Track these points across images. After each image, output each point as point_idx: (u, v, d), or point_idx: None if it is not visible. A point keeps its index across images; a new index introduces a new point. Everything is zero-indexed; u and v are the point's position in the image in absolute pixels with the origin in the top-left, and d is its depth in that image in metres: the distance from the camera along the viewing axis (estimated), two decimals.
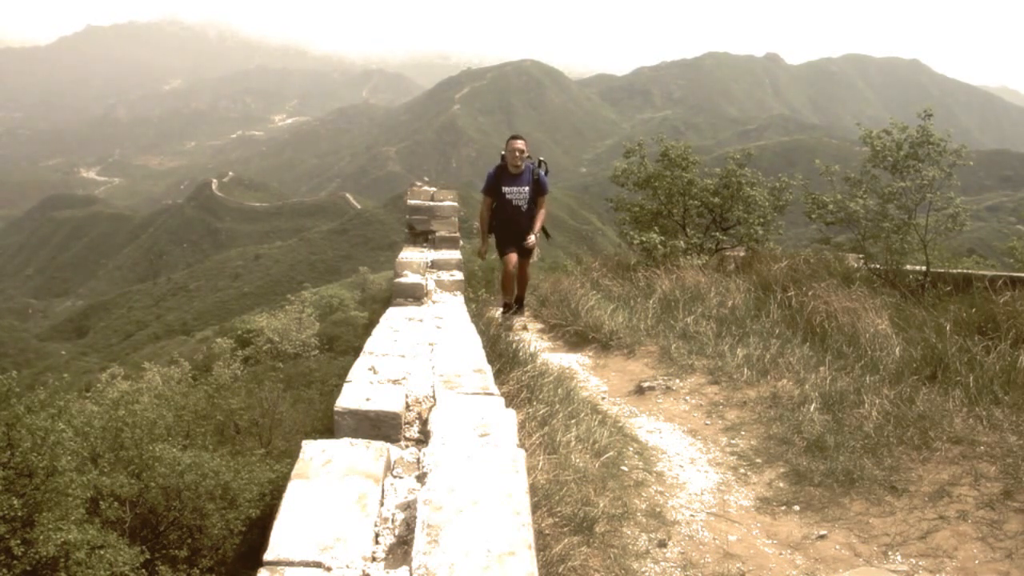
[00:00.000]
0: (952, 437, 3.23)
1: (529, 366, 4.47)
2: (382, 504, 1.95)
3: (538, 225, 6.28)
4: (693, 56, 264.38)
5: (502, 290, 6.71)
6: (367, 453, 2.10)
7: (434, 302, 4.77)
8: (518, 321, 6.67)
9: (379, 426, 2.47)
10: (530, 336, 6.16)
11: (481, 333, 3.98)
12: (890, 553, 2.68)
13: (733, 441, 3.79)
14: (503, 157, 6.34)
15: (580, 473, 3.21)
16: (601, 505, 2.98)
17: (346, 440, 2.17)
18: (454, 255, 6.06)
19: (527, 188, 6.23)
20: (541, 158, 6.47)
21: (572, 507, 2.85)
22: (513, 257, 6.23)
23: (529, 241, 6.22)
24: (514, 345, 4.90)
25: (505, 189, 6.21)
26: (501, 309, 6.73)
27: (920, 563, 2.59)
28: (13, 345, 61.84)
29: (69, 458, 4.67)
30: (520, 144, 6.18)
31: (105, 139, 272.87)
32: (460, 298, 5.00)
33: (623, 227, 10.43)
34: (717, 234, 9.68)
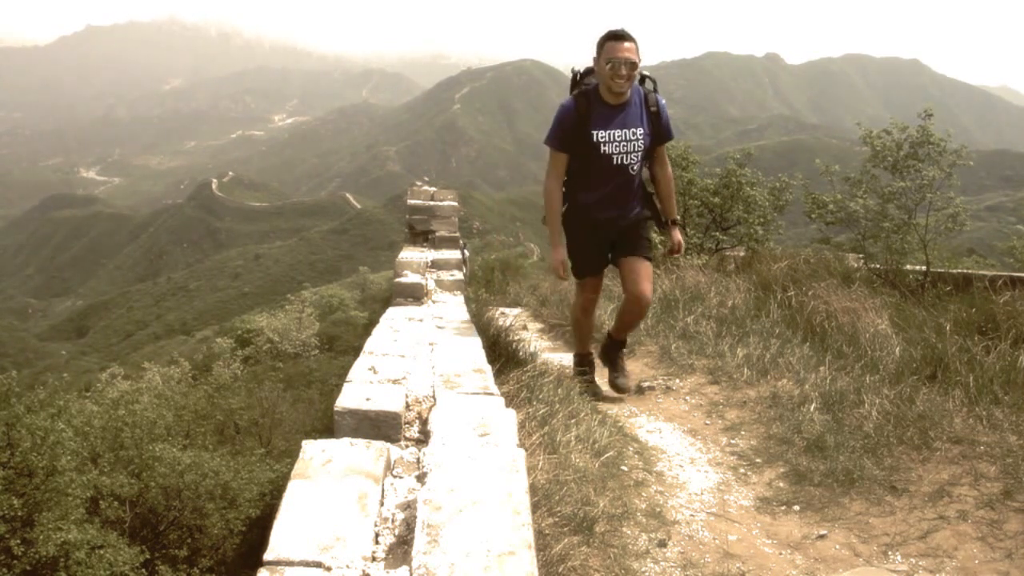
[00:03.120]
0: (952, 437, 3.23)
1: (529, 366, 4.47)
2: (382, 504, 1.95)
3: (674, 203, 3.98)
4: (693, 56, 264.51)
5: (575, 332, 4.37)
6: (367, 453, 2.10)
7: (434, 302, 4.77)
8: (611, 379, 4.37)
9: (379, 426, 2.47)
10: (530, 336, 6.15)
11: (481, 333, 3.99)
12: (890, 553, 2.68)
13: (733, 441, 3.79)
14: (577, 77, 3.80)
15: (580, 473, 3.21)
16: (601, 505, 2.98)
17: (346, 440, 2.17)
18: (454, 255, 6.05)
19: (641, 131, 3.66)
20: (645, 72, 3.77)
21: (572, 507, 2.85)
22: (595, 285, 4.08)
23: (676, 240, 3.97)
24: (514, 345, 4.90)
25: (600, 135, 3.61)
26: (573, 361, 4.45)
27: (920, 563, 2.59)
28: (13, 345, 61.84)
29: (69, 458, 4.68)
30: (629, 50, 3.49)
31: (105, 139, 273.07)
32: (460, 298, 5.00)
33: None
34: (717, 234, 9.69)
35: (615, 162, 3.67)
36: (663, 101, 3.78)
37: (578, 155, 3.72)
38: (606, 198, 3.80)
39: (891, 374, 3.99)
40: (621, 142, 3.64)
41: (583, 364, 4.40)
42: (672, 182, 3.98)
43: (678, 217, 4.06)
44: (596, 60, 3.61)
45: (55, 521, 4.34)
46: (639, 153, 3.70)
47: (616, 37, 3.54)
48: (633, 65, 3.54)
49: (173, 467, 5.53)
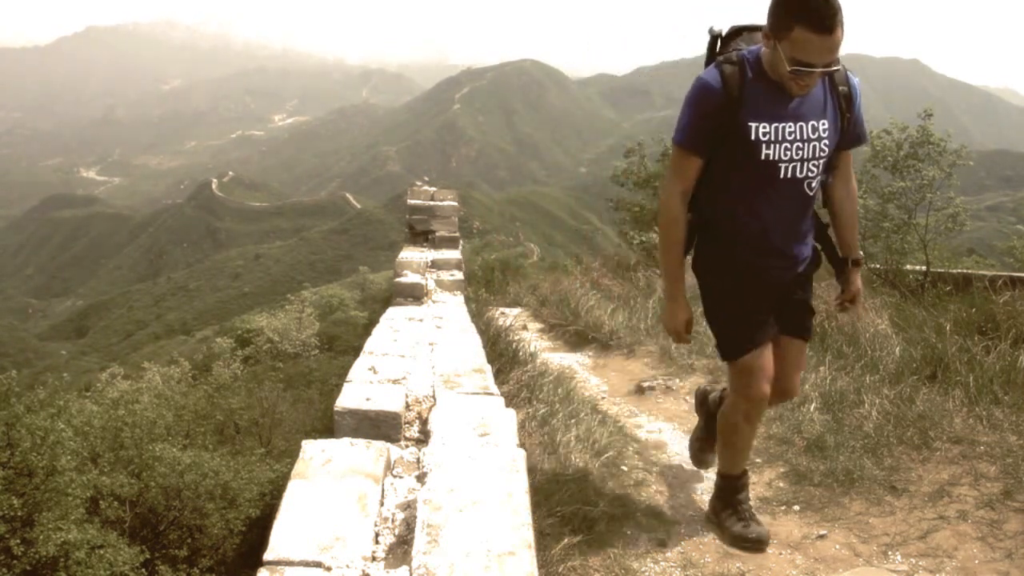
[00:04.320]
0: (952, 437, 3.23)
1: (529, 366, 4.48)
2: (382, 504, 1.95)
3: (857, 235, 2.62)
4: (693, 56, 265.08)
5: (724, 442, 2.77)
6: (367, 453, 2.10)
7: (434, 302, 4.78)
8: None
9: (379, 426, 2.47)
10: (530, 336, 6.15)
11: (481, 333, 3.99)
12: (890, 553, 2.68)
13: None
14: (716, 43, 2.52)
15: (580, 473, 3.21)
16: (601, 505, 2.98)
17: (346, 440, 2.18)
18: (454, 255, 6.05)
19: (825, 124, 2.35)
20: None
21: (572, 507, 2.86)
22: (765, 366, 2.49)
23: (855, 287, 2.56)
24: (514, 345, 4.90)
25: (761, 130, 2.31)
26: (718, 486, 2.84)
27: (920, 563, 2.59)
28: (13, 345, 61.78)
29: (69, 458, 4.67)
30: (835, 46, 2.14)
31: (105, 139, 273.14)
32: (460, 298, 5.00)
33: (623, 227, 10.46)
34: None
35: (783, 174, 2.33)
36: (856, 80, 2.40)
37: (722, 160, 2.38)
38: (766, 233, 2.43)
39: (891, 374, 4.00)
40: (794, 142, 2.31)
41: (739, 489, 2.77)
42: (857, 205, 2.60)
43: (861, 255, 2.63)
44: (769, 39, 2.22)
45: (55, 521, 4.33)
46: (821, 161, 2.36)
47: (820, 25, 2.08)
48: (837, 51, 2.17)
49: (173, 467, 5.52)
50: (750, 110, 2.32)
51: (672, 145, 2.50)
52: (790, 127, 2.33)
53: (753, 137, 2.32)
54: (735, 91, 2.32)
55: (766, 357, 2.51)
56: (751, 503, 2.83)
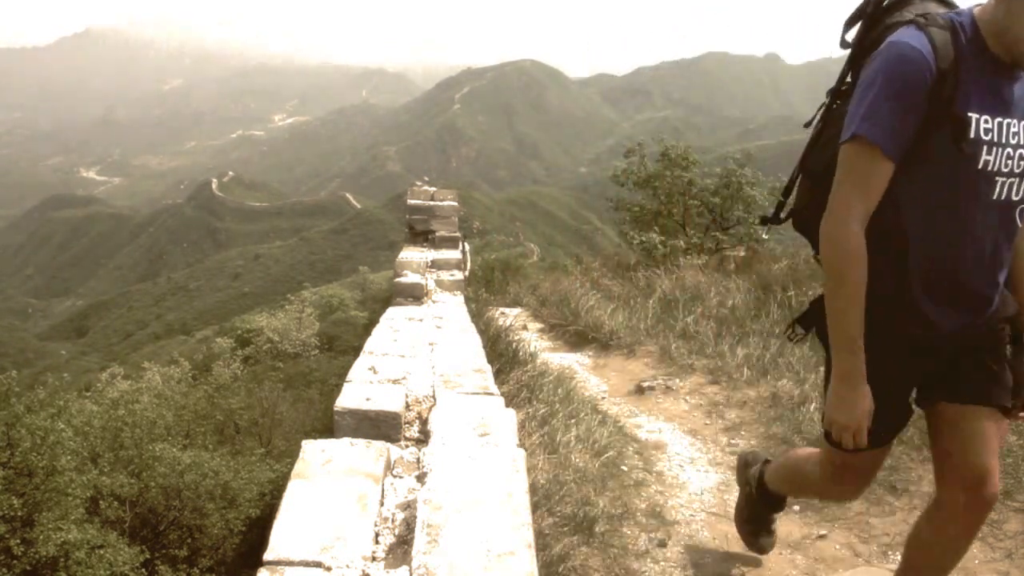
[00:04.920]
0: None
1: (529, 366, 4.47)
2: (382, 504, 1.95)
3: None
4: (693, 56, 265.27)
5: (790, 485, 2.41)
6: (367, 453, 2.11)
7: (434, 302, 4.78)
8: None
9: (379, 426, 2.47)
10: (530, 336, 6.15)
11: (481, 333, 3.99)
12: (890, 553, 2.68)
13: (733, 441, 3.79)
14: (875, 6, 1.73)
15: (580, 473, 3.22)
16: (601, 505, 2.98)
17: (346, 440, 2.18)
18: (454, 255, 6.05)
19: None
20: None
21: (572, 507, 2.86)
22: (874, 465, 1.95)
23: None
24: (514, 345, 4.90)
25: (982, 123, 1.57)
26: (760, 499, 2.54)
27: None
28: (13, 345, 61.75)
29: (69, 458, 4.67)
30: None
31: (105, 139, 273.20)
32: (460, 298, 5.01)
33: (623, 227, 10.48)
34: (717, 234, 9.70)
35: (996, 193, 1.64)
36: None
37: (918, 166, 1.64)
38: (956, 273, 1.70)
39: None
40: (1018, 148, 1.63)
41: (776, 508, 2.57)
42: None
43: None
44: None
45: (55, 521, 4.33)
46: None
47: None
48: None
49: (173, 467, 5.52)
50: (969, 94, 1.60)
51: (848, 144, 1.64)
52: (1014, 126, 1.63)
53: (973, 134, 1.59)
54: (948, 64, 1.58)
55: (877, 459, 1.91)
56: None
